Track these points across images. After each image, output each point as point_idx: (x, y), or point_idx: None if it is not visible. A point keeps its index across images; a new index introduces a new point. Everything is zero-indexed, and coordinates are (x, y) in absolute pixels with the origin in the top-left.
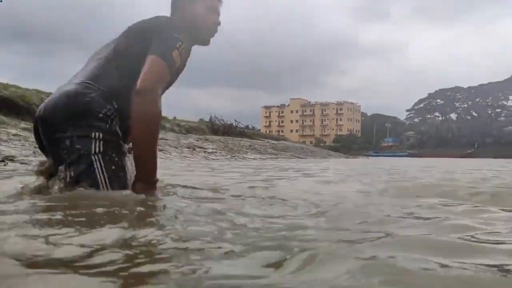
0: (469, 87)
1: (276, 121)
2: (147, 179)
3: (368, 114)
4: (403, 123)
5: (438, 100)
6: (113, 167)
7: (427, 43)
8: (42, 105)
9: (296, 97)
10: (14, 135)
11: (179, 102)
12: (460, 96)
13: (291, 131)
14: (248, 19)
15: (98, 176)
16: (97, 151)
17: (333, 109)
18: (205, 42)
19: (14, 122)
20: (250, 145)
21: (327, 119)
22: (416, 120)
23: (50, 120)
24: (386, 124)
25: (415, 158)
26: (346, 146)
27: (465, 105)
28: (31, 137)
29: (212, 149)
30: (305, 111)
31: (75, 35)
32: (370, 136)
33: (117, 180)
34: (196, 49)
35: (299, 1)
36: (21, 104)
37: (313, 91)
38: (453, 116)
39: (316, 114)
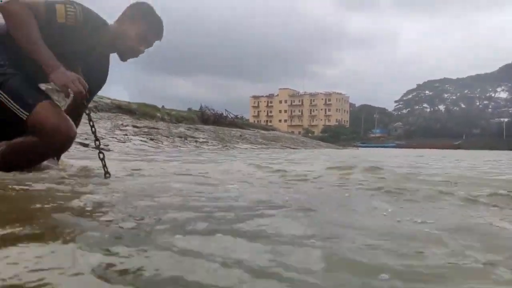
0: (458, 79)
1: (264, 111)
2: (48, 64)
3: (357, 105)
4: (391, 114)
5: (427, 92)
6: (19, 86)
7: (416, 34)
8: None
9: (285, 87)
10: None
11: (165, 91)
12: (448, 88)
13: (280, 121)
14: (234, 6)
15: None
16: None
17: (322, 99)
18: (122, 58)
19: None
20: (240, 135)
21: (316, 110)
22: (404, 111)
23: None
24: (374, 115)
25: (403, 149)
26: (334, 136)
27: (454, 97)
28: None
29: (203, 138)
30: (294, 102)
31: None
32: (358, 127)
33: (28, 93)
34: (184, 37)
35: None
36: None
37: (301, 81)
38: (442, 107)
39: (305, 104)
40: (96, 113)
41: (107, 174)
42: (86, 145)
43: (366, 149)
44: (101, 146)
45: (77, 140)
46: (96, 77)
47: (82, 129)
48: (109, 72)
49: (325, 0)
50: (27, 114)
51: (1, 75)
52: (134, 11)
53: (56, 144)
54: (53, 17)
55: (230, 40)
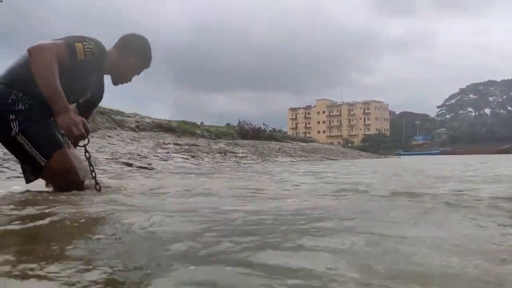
0: (503, 81)
1: (302, 122)
2: (60, 108)
3: (397, 113)
4: (433, 120)
5: (471, 95)
6: (37, 134)
7: (456, 36)
8: None
9: (322, 98)
10: None
11: (204, 108)
12: (494, 90)
13: (318, 132)
14: (267, 19)
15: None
16: (16, 130)
17: (360, 108)
18: (114, 82)
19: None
20: (279, 148)
21: (355, 119)
22: (447, 116)
23: None
24: (416, 122)
25: (448, 155)
26: (374, 145)
27: (500, 99)
28: (70, 149)
29: (243, 153)
30: (332, 112)
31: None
32: (399, 135)
33: (46, 142)
34: (219, 53)
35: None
36: None
37: (339, 91)
38: (487, 111)
39: (343, 114)
40: (138, 132)
41: (97, 185)
42: (130, 165)
43: (411, 157)
44: (145, 165)
45: (121, 160)
46: (98, 95)
47: (126, 149)
48: (150, 91)
49: (360, 7)
50: (45, 161)
51: (23, 122)
52: (127, 43)
53: (64, 187)
54: (73, 55)
55: (265, 53)
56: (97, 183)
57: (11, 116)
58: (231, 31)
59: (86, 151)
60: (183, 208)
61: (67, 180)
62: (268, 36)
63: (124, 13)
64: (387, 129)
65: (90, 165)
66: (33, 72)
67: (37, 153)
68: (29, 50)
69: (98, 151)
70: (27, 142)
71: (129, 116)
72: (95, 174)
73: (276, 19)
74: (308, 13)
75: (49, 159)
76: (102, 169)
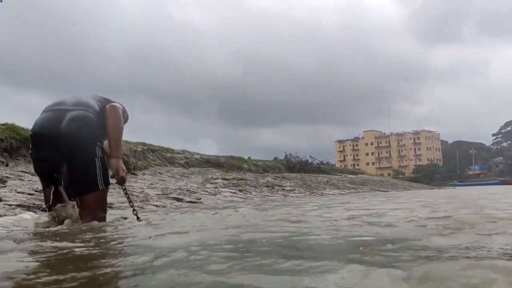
0: None
1: (350, 154)
2: (118, 155)
3: (449, 142)
4: (489, 149)
5: None
6: (106, 166)
7: (507, 60)
8: (55, 126)
9: (369, 129)
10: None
11: (250, 142)
12: None
13: (367, 164)
14: (310, 54)
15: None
16: (99, 155)
17: (410, 138)
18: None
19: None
20: (327, 181)
21: (405, 150)
22: (504, 144)
23: (73, 139)
24: (470, 151)
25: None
26: (427, 176)
27: None
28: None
29: (290, 186)
30: (380, 143)
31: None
32: (453, 165)
33: (107, 175)
34: (262, 87)
35: (360, 29)
36: None
37: (387, 121)
38: None
39: (392, 145)
40: (187, 168)
41: (138, 218)
42: (180, 200)
43: (472, 187)
44: (194, 200)
45: (172, 195)
46: None
47: (176, 184)
48: (198, 128)
49: (405, 36)
50: (103, 187)
51: (102, 152)
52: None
53: (89, 215)
54: (123, 119)
55: (309, 86)
56: (137, 216)
57: (98, 143)
58: (272, 65)
59: (125, 189)
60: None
61: (104, 209)
62: (310, 68)
63: (169, 52)
64: (440, 159)
65: (130, 201)
66: (110, 122)
67: (101, 179)
68: (109, 106)
69: (150, 187)
70: (100, 167)
71: (178, 153)
72: (134, 208)
73: (317, 51)
74: (351, 43)
75: (106, 187)
76: (153, 205)
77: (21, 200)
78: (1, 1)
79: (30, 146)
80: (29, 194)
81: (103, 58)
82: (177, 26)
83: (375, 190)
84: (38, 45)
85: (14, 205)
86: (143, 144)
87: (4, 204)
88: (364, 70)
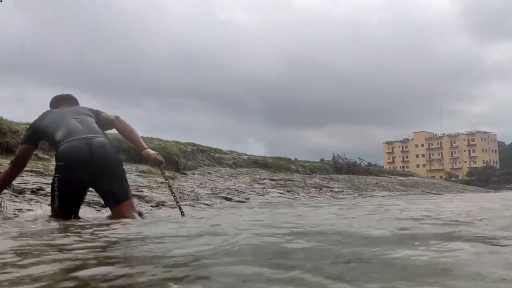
0: None
1: (400, 156)
2: (145, 146)
3: (506, 143)
4: None
5: None
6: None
7: None
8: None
9: (420, 130)
10: (161, 182)
11: (297, 143)
12: None
13: (417, 166)
14: (355, 52)
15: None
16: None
17: (464, 140)
18: None
19: (159, 172)
20: (376, 183)
21: (458, 151)
22: None
23: (108, 159)
24: None
25: None
26: (482, 179)
27: None
28: (176, 184)
29: (338, 188)
30: (432, 144)
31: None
32: (511, 167)
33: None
34: (307, 89)
35: (406, 26)
36: (164, 155)
37: (438, 122)
38: None
39: (444, 146)
40: (235, 169)
41: (182, 212)
42: (229, 199)
43: None
44: (243, 200)
45: (221, 195)
46: None
47: (225, 184)
48: (245, 129)
49: (458, 34)
50: (131, 194)
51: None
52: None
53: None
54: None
55: (355, 86)
56: (181, 210)
57: (121, 162)
58: (317, 64)
59: (163, 173)
60: None
61: (136, 211)
62: (355, 67)
63: (214, 53)
64: (496, 161)
65: (174, 196)
66: (126, 130)
67: (128, 188)
68: (115, 119)
69: (199, 187)
70: (127, 180)
71: (226, 154)
72: (177, 201)
73: (362, 49)
74: (398, 41)
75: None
76: (203, 203)
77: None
78: (1, 1)
79: (63, 174)
80: None
81: (150, 61)
82: (221, 27)
83: (427, 193)
84: (88, 49)
85: None
86: (193, 144)
87: None
88: (412, 69)
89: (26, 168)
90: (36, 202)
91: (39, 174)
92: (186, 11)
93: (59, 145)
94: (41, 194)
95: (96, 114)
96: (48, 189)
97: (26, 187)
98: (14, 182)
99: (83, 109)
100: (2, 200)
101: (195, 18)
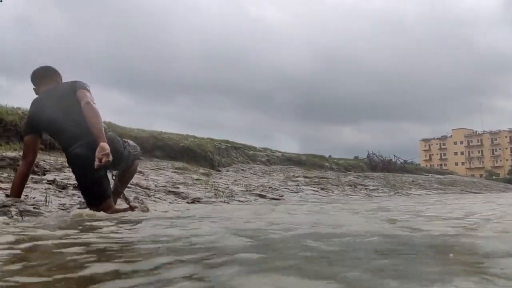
0: None
1: (437, 154)
2: (104, 139)
3: None
4: None
5: None
6: None
7: None
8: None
9: (459, 127)
10: (196, 179)
11: (331, 140)
12: None
13: (456, 164)
14: (388, 47)
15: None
16: None
17: (506, 137)
18: None
19: (194, 168)
20: (413, 181)
21: (499, 149)
22: None
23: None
24: None
25: None
26: None
27: None
28: (210, 180)
29: (373, 186)
30: (471, 142)
31: (224, 83)
32: None
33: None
34: (340, 85)
35: (443, 20)
36: (199, 152)
37: (478, 118)
38: None
39: (485, 144)
40: (269, 166)
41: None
42: (263, 196)
43: None
44: (277, 197)
45: (255, 192)
46: None
47: (259, 181)
48: (279, 125)
49: (499, 26)
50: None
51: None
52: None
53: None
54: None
55: (390, 81)
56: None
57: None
58: (349, 60)
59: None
60: None
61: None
62: (388, 63)
63: (244, 50)
64: None
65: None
66: (92, 117)
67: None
68: (87, 103)
69: (234, 184)
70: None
71: (260, 151)
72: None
73: (396, 44)
74: (434, 35)
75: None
76: (238, 200)
77: None
78: (1, 1)
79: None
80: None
81: (182, 58)
82: (253, 23)
83: (466, 192)
84: (120, 46)
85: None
86: (227, 141)
87: None
88: (451, 63)
89: (67, 165)
90: (78, 197)
91: None
92: (216, 8)
93: (65, 151)
94: None
95: (75, 92)
96: None
97: (69, 182)
98: (57, 178)
99: (68, 96)
100: (48, 195)
101: (226, 15)
